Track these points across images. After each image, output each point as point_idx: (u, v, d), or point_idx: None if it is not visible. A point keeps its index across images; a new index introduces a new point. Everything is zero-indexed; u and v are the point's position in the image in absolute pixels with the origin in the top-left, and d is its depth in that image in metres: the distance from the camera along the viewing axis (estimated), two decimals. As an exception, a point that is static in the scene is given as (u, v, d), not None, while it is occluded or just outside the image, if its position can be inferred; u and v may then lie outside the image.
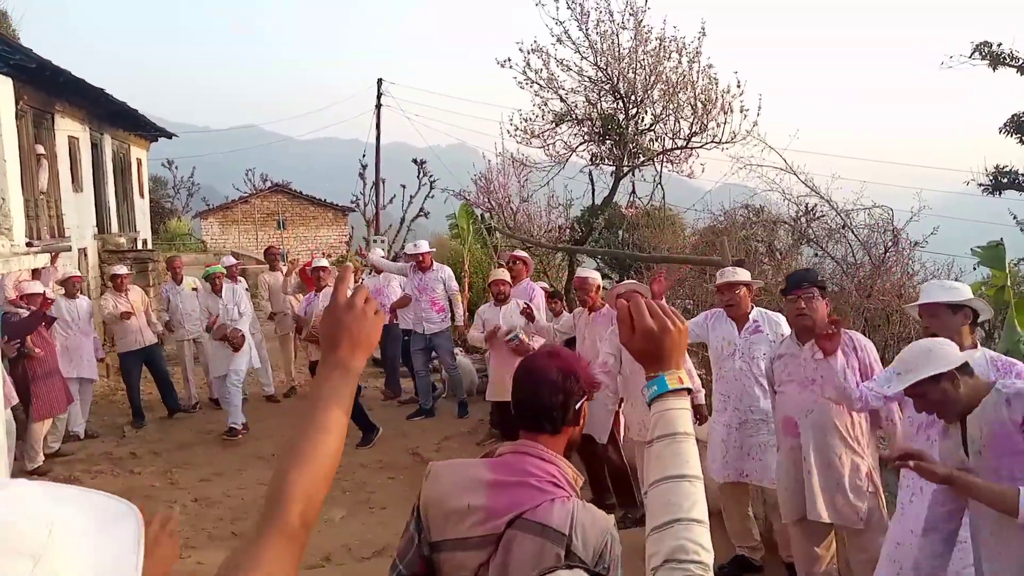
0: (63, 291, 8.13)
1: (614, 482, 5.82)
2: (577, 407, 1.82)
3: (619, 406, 5.60)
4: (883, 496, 3.86)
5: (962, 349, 2.87)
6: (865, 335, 4.34)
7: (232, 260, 9.34)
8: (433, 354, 8.56)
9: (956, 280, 4.70)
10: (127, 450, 7.72)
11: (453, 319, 8.60)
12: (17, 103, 9.83)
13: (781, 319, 4.51)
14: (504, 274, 6.95)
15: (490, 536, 1.67)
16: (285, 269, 9.73)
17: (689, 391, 1.31)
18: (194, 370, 9.26)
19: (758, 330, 4.52)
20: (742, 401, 4.53)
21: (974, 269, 5.17)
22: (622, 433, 5.67)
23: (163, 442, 7.98)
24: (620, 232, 13.11)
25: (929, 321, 3.27)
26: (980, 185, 15.85)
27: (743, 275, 4.62)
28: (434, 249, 9.95)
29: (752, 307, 4.62)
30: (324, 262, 8.32)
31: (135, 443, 7.99)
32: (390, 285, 8.96)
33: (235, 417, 7.92)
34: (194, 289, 9.01)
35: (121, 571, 0.83)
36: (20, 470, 6.71)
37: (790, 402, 3.99)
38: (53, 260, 8.23)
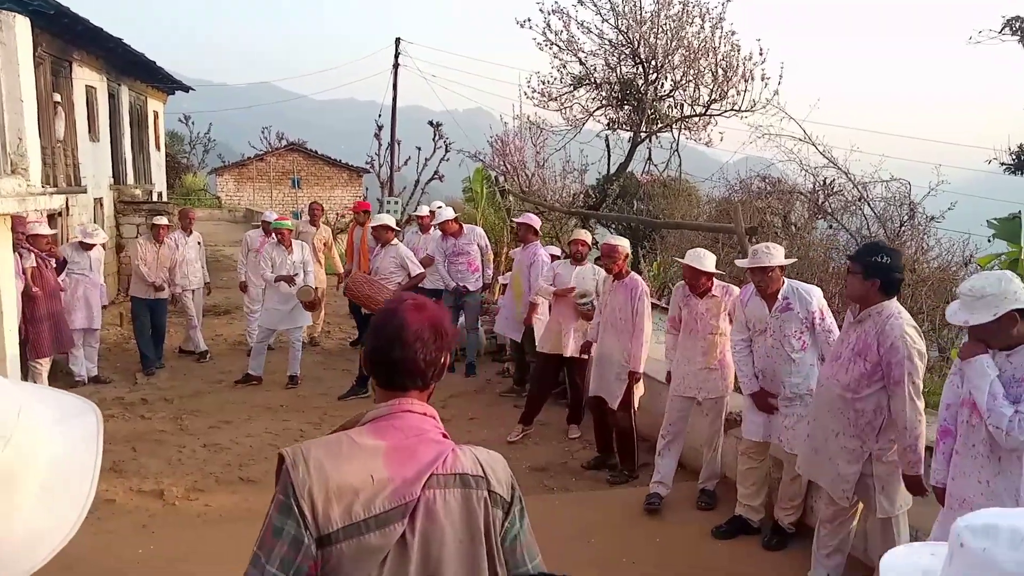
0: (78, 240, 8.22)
1: (619, 444, 5.92)
2: (442, 361, 1.70)
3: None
4: (891, 486, 3.71)
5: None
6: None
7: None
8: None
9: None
10: (138, 396, 7.85)
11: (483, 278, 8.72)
12: (35, 50, 9.85)
13: (814, 294, 4.41)
14: (584, 235, 6.76)
15: (406, 505, 1.50)
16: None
17: None
18: (199, 318, 9.45)
19: (788, 307, 4.41)
20: (773, 379, 4.53)
21: (989, 242, 5.12)
22: (636, 400, 5.70)
23: (174, 389, 8.10)
24: (635, 202, 13.06)
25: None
26: (1002, 164, 15.60)
27: (775, 258, 4.40)
28: (459, 214, 10.07)
29: (783, 282, 4.48)
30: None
31: (147, 390, 8.11)
32: (427, 247, 9.00)
33: (294, 367, 8.26)
34: (199, 243, 9.31)
35: (81, 458, 0.87)
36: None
37: (822, 372, 4.01)
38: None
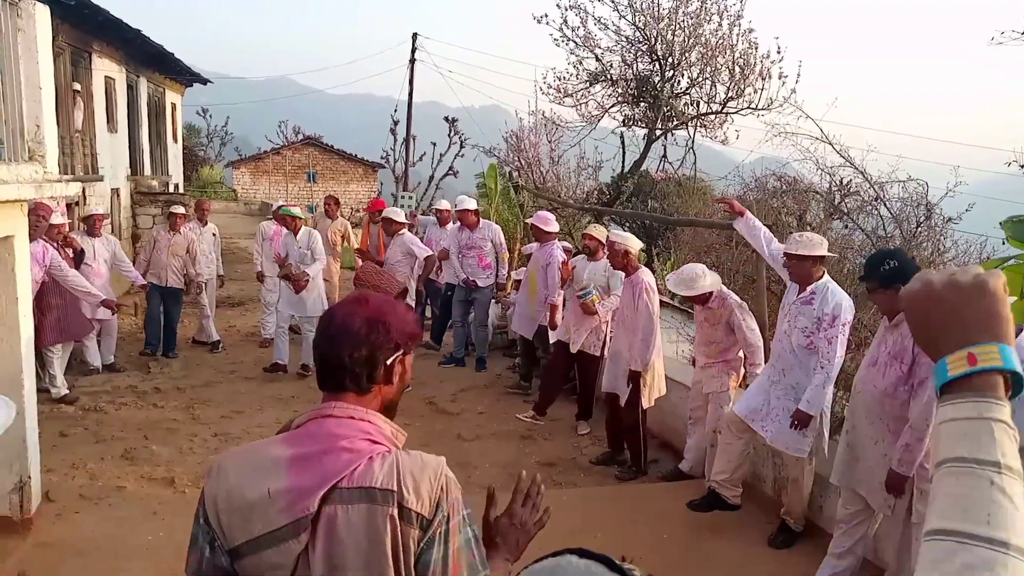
0: (84, 228, 8.21)
1: (627, 441, 5.93)
2: (388, 362, 1.55)
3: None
4: (914, 493, 3.62)
5: None
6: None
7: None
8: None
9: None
10: (152, 385, 7.90)
11: (497, 276, 8.72)
12: (55, 39, 9.94)
13: (843, 302, 4.27)
14: (593, 230, 6.81)
15: (302, 520, 1.40)
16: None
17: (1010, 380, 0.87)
18: (211, 308, 9.51)
19: (809, 302, 4.36)
20: (777, 362, 4.57)
21: (1003, 244, 5.04)
22: (649, 399, 5.65)
23: (187, 379, 8.15)
24: (649, 200, 13.02)
25: None
26: (1022, 166, 15.43)
27: (803, 247, 4.33)
28: (482, 208, 10.15)
29: (822, 276, 4.39)
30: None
31: (160, 379, 8.17)
32: (442, 240, 9.11)
33: (306, 358, 8.22)
34: (214, 235, 9.34)
35: None
36: (47, 398, 6.90)
37: (859, 375, 3.92)
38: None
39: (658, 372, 5.66)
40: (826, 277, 4.42)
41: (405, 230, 8.14)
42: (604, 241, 6.36)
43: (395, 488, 1.40)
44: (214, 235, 9.51)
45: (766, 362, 4.98)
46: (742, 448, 4.86)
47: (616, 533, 4.76)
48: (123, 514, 4.97)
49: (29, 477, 4.65)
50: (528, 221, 7.84)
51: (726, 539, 4.72)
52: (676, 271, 5.68)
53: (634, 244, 5.77)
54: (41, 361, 6.88)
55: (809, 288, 4.37)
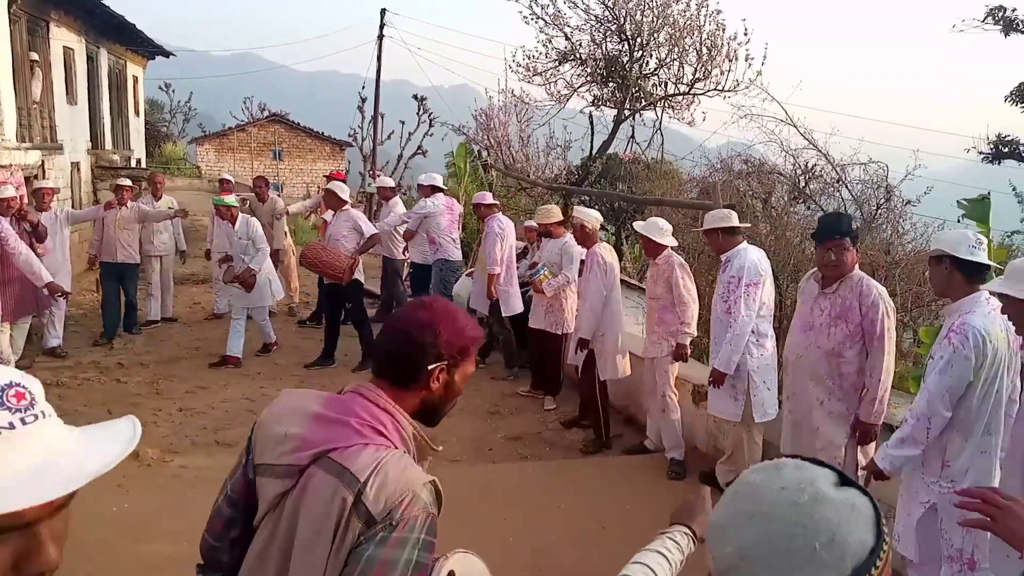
0: (32, 203, 7.88)
1: (583, 409, 6.15)
2: (430, 368, 1.64)
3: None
4: (858, 451, 3.87)
5: None
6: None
7: (230, 178, 9.43)
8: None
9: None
10: (114, 360, 7.81)
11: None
12: (10, 7, 9.65)
13: (747, 264, 4.60)
14: (544, 215, 6.83)
15: (294, 467, 1.54)
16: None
17: None
18: (160, 286, 9.36)
19: (724, 270, 4.72)
20: (713, 334, 4.90)
21: (958, 221, 5.20)
22: (601, 368, 5.80)
23: (151, 355, 8.07)
24: (617, 183, 13.09)
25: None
26: (980, 153, 15.79)
27: (711, 221, 4.79)
28: (450, 187, 10.13)
29: (736, 245, 4.74)
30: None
31: (123, 354, 8.07)
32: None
33: (267, 337, 8.27)
34: (169, 208, 9.02)
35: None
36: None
37: (789, 341, 4.11)
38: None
39: (612, 351, 5.76)
40: (742, 245, 4.74)
41: (349, 206, 7.95)
42: (559, 220, 6.69)
43: (362, 479, 1.47)
44: (171, 209, 9.12)
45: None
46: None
47: (580, 504, 4.84)
48: (86, 486, 4.92)
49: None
50: (478, 201, 7.94)
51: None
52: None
53: (590, 218, 5.94)
54: None
55: (724, 257, 4.75)
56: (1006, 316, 2.91)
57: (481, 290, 7.65)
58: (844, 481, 0.90)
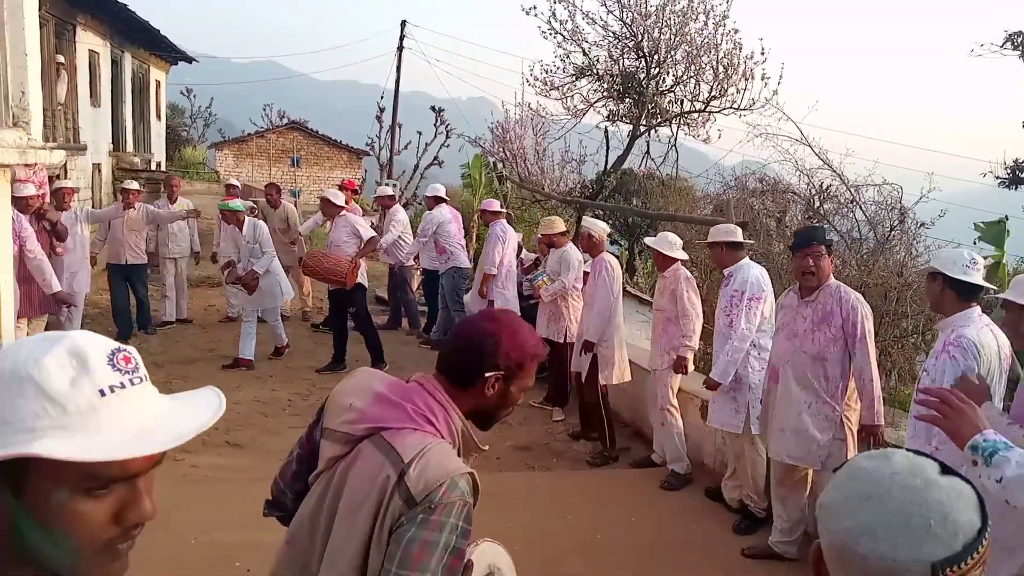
0: (53, 202, 7.82)
1: (588, 418, 6.21)
2: (487, 375, 1.75)
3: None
4: (852, 442, 4.03)
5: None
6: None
7: (236, 183, 9.55)
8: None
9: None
10: (130, 359, 7.89)
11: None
12: (39, 9, 9.83)
13: (750, 279, 4.72)
14: (547, 226, 7.03)
15: (350, 436, 1.70)
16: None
17: None
18: (175, 288, 9.45)
19: (727, 284, 4.86)
20: (715, 346, 4.99)
21: (975, 244, 5.22)
22: (603, 375, 5.87)
23: (165, 355, 8.16)
24: (632, 198, 13.15)
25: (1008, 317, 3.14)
26: (997, 177, 15.74)
27: (716, 235, 4.92)
28: (463, 198, 10.38)
29: (739, 260, 4.87)
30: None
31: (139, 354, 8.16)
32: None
33: (279, 340, 8.36)
34: (189, 212, 9.13)
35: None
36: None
37: (776, 350, 4.29)
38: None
39: (621, 355, 5.90)
40: (744, 260, 4.87)
41: (346, 212, 8.08)
42: (562, 231, 6.89)
43: (407, 460, 1.60)
44: (194, 212, 9.29)
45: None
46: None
47: (586, 515, 4.86)
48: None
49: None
50: (483, 208, 8.38)
51: (694, 523, 4.84)
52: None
53: (598, 229, 6.14)
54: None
55: (727, 271, 4.86)
56: (1005, 328, 2.99)
57: (478, 290, 7.88)
58: (945, 470, 0.98)
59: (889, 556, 0.91)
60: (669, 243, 5.48)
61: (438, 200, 8.92)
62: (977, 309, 3.19)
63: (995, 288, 3.51)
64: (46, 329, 7.63)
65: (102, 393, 0.91)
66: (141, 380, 0.95)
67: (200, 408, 1.02)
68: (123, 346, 0.96)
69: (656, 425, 5.60)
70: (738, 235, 4.89)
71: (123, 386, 0.93)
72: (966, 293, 3.19)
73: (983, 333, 3.10)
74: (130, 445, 0.90)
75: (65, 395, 0.89)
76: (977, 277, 3.18)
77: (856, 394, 4.02)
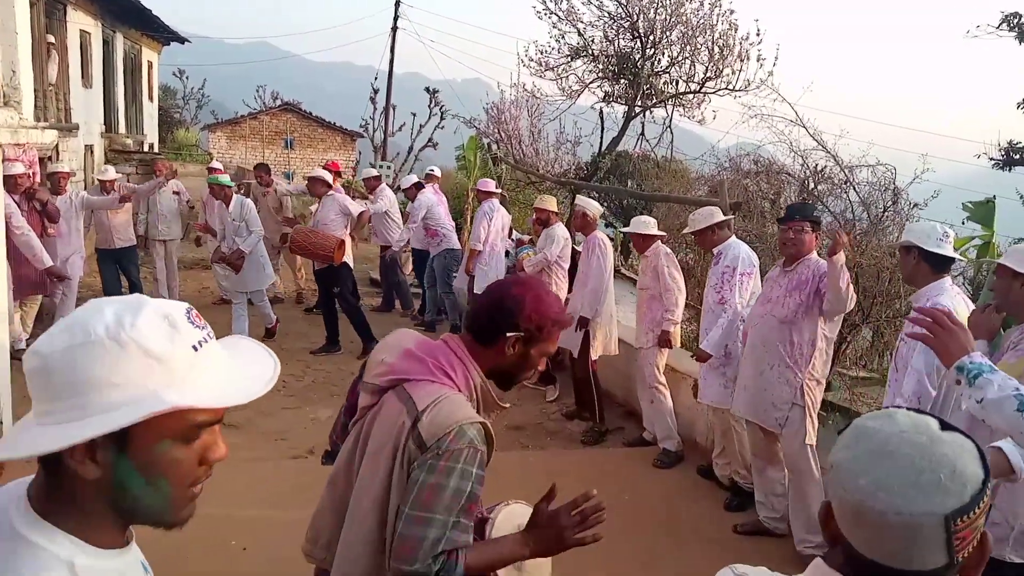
0: (47, 184, 7.77)
1: (578, 393, 6.31)
2: (507, 334, 1.84)
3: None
4: (813, 415, 4.14)
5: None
6: (856, 291, 4.52)
7: (219, 165, 9.54)
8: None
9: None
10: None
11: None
12: (30, -11, 9.73)
13: (740, 255, 4.84)
14: (544, 202, 7.10)
15: (377, 387, 1.86)
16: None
17: None
18: (164, 270, 9.37)
19: (716, 262, 4.96)
20: (704, 324, 5.11)
21: (963, 224, 5.25)
22: (594, 349, 6.00)
23: (159, 337, 8.15)
24: (629, 181, 13.13)
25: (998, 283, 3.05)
26: (991, 159, 15.74)
27: (696, 222, 5.02)
28: (458, 179, 10.44)
29: (726, 239, 4.98)
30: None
31: (131, 335, 8.15)
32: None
33: (267, 320, 8.37)
34: (175, 193, 9.04)
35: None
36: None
37: (751, 314, 4.50)
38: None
39: (610, 331, 6.06)
40: (732, 239, 4.99)
41: (333, 191, 8.12)
42: (554, 210, 6.97)
43: (420, 408, 1.73)
44: (176, 193, 9.16)
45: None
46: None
47: (577, 492, 4.89)
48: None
49: (1, 422, 4.69)
50: (479, 188, 8.49)
51: (686, 501, 4.89)
52: None
53: (592, 208, 6.26)
54: None
55: (716, 250, 4.96)
56: (994, 292, 2.98)
57: (464, 267, 8.04)
58: (945, 426, 1.03)
59: (906, 510, 0.96)
60: (644, 223, 5.63)
61: (418, 187, 9.15)
62: (948, 279, 3.31)
63: (964, 260, 3.62)
64: (41, 311, 7.63)
65: (195, 348, 0.99)
66: (212, 334, 1.03)
67: (261, 362, 1.09)
68: (190, 306, 1.02)
69: (645, 403, 5.68)
70: (718, 215, 5.00)
71: (206, 340, 1.01)
72: (939, 265, 3.30)
73: (956, 301, 3.20)
74: (233, 391, 1.01)
75: (168, 353, 0.96)
76: (949, 249, 3.30)
77: (823, 368, 4.15)
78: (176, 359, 0.96)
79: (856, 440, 1.04)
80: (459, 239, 9.37)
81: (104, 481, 0.97)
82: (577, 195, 7.84)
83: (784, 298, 4.17)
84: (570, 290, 6.56)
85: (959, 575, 0.99)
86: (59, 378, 0.93)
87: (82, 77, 12.89)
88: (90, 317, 0.96)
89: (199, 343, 0.99)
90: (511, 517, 1.96)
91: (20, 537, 0.96)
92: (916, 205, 8.40)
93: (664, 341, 5.42)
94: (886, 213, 8.18)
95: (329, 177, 8.15)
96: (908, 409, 1.07)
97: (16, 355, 6.66)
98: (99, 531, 1.00)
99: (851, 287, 3.87)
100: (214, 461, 1.05)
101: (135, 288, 8.81)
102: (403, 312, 9.72)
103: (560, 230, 6.77)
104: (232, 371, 1.03)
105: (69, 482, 0.97)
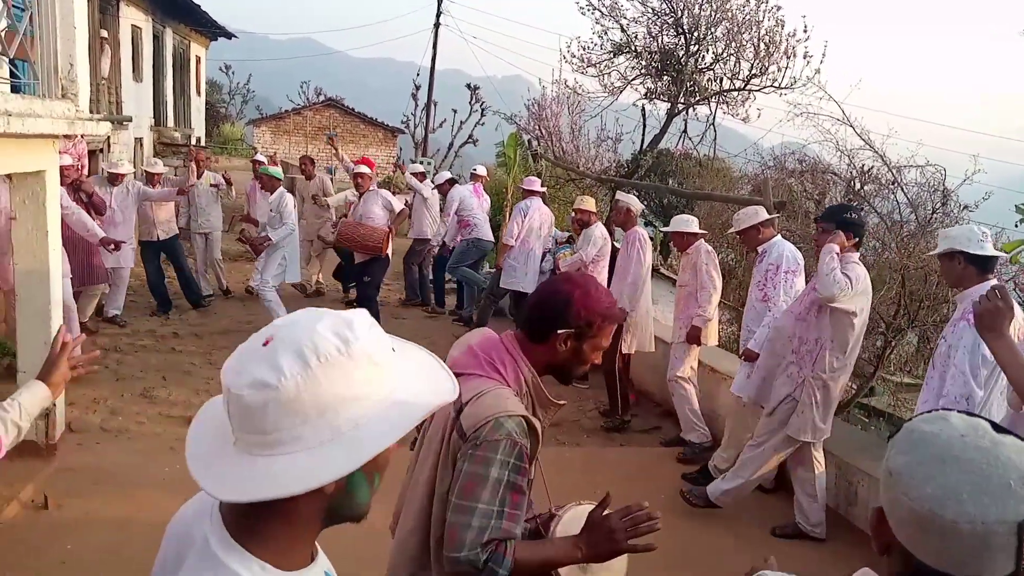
0: (100, 175, 8.09)
1: (607, 384, 6.33)
2: (559, 332, 1.87)
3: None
4: (816, 413, 4.16)
5: None
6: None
7: (263, 159, 9.76)
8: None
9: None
10: (170, 330, 8.08)
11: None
12: (85, -15, 9.98)
13: (785, 252, 4.86)
14: (583, 203, 7.12)
15: None
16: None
17: None
18: (204, 263, 9.52)
19: (761, 260, 4.98)
20: (746, 322, 5.18)
21: (1016, 226, 5.11)
22: (627, 343, 6.05)
23: (205, 326, 8.33)
24: (668, 179, 13.04)
25: None
26: (1046, 160, 15.29)
27: (742, 221, 5.01)
28: (498, 175, 10.63)
29: (771, 237, 4.99)
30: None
31: (178, 324, 8.35)
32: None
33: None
34: (213, 185, 9.15)
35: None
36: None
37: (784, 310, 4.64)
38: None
39: (645, 323, 6.13)
40: (776, 237, 4.98)
41: (374, 185, 8.45)
42: (594, 211, 6.99)
43: (464, 400, 1.77)
44: (214, 186, 9.20)
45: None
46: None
47: (613, 490, 4.88)
48: (141, 447, 5.16)
49: (54, 405, 4.83)
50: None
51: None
52: None
53: (635, 204, 6.39)
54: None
55: (760, 249, 4.97)
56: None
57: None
58: (998, 428, 1.01)
59: (979, 518, 0.92)
60: (685, 222, 5.70)
61: (451, 183, 9.45)
62: (994, 280, 3.32)
63: (1004, 254, 3.75)
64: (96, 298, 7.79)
65: (394, 350, 1.04)
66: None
67: (436, 370, 1.14)
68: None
69: (674, 398, 5.74)
70: (763, 214, 4.99)
71: (395, 349, 1.05)
72: (985, 265, 3.35)
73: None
74: (450, 387, 1.08)
75: (387, 358, 1.01)
76: (991, 248, 3.36)
77: (838, 366, 4.15)
78: (390, 363, 1.01)
79: (914, 446, 1.00)
80: (496, 235, 9.45)
81: (336, 493, 0.97)
82: (618, 191, 7.85)
83: (805, 295, 4.29)
84: (608, 287, 6.57)
85: None
86: (306, 404, 0.93)
87: (133, 71, 13.20)
88: (313, 339, 0.95)
89: (392, 346, 1.05)
90: (578, 517, 1.94)
91: (214, 558, 0.97)
92: (966, 207, 8.21)
93: (692, 337, 5.45)
94: (935, 215, 8.00)
95: (368, 171, 8.42)
96: (960, 412, 1.04)
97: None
98: (292, 554, 1.01)
99: (836, 273, 3.88)
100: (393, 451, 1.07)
101: (183, 275, 8.90)
102: (427, 312, 9.72)
103: (598, 231, 6.84)
104: (421, 365, 1.10)
105: (288, 504, 0.96)
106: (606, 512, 1.81)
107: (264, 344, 0.97)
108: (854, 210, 4.41)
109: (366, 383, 0.97)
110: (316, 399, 0.93)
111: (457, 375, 1.85)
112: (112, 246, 7.01)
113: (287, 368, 0.92)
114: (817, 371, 4.13)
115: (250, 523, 0.99)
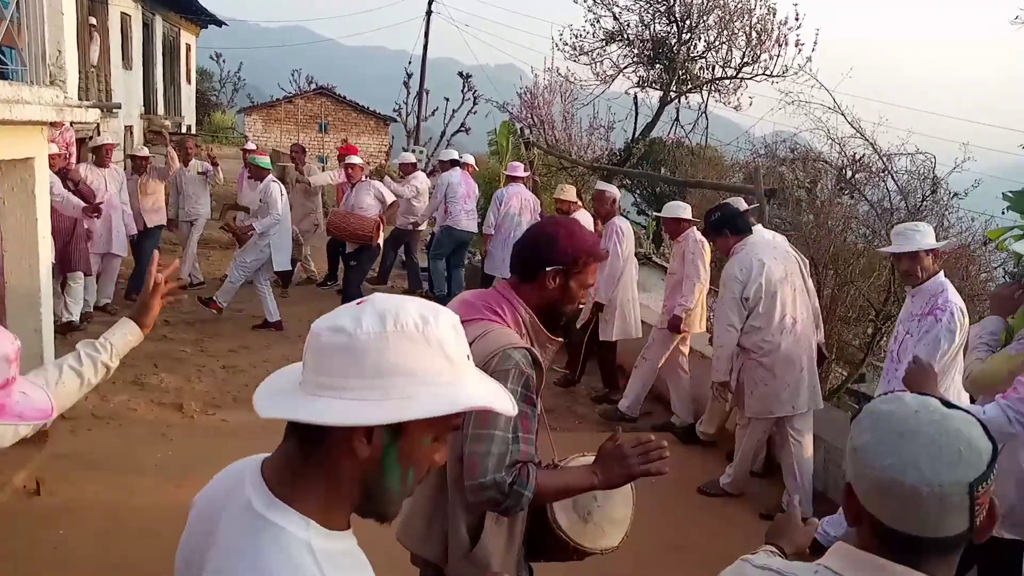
0: (92, 158, 7.94)
1: (604, 377, 6.53)
2: (547, 268, 1.97)
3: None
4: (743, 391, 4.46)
5: None
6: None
7: (253, 146, 9.73)
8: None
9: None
10: (161, 317, 7.95)
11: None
12: (73, -29, 9.89)
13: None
14: (563, 192, 7.18)
15: None
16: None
17: None
18: (196, 249, 9.46)
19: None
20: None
21: (1003, 213, 5.12)
22: (605, 331, 6.23)
23: (196, 314, 8.29)
24: (661, 168, 13.05)
25: None
26: (1036, 148, 15.35)
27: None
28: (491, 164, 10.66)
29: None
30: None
31: (168, 312, 8.28)
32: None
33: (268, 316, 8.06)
34: (200, 173, 9.07)
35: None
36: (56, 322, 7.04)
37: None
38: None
39: (625, 313, 6.22)
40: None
41: (367, 176, 8.60)
42: (574, 200, 7.06)
43: (470, 341, 1.84)
44: (201, 174, 9.10)
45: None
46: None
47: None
48: (133, 433, 5.17)
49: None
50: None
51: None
52: None
53: (613, 191, 6.48)
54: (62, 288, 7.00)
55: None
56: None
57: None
58: (947, 403, 1.12)
59: (935, 482, 1.03)
60: (677, 208, 5.74)
61: (454, 163, 9.29)
62: (942, 273, 3.59)
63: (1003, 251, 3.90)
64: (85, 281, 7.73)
65: (468, 357, 1.09)
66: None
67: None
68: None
69: (671, 384, 5.89)
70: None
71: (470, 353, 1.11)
72: (934, 257, 3.61)
73: (959, 298, 3.49)
74: (505, 401, 1.11)
75: (459, 356, 1.06)
76: (933, 240, 3.63)
77: (771, 349, 4.36)
78: (462, 363, 1.06)
79: (875, 424, 1.11)
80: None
81: (369, 462, 1.02)
82: (597, 181, 7.96)
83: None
84: None
85: (975, 537, 1.08)
86: (368, 359, 0.99)
87: (122, 59, 13.12)
88: (399, 309, 1.03)
89: (468, 355, 1.09)
90: (583, 461, 2.05)
91: (260, 517, 1.01)
92: (956, 195, 8.25)
93: (673, 326, 5.52)
94: (924, 203, 8.04)
95: (360, 160, 8.43)
96: (912, 392, 1.17)
97: (60, 330, 6.92)
98: (334, 513, 1.05)
99: (721, 351, 4.40)
100: (437, 464, 1.11)
101: (140, 264, 8.52)
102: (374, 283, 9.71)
103: (580, 217, 6.87)
104: (487, 379, 1.14)
105: (327, 460, 1.03)
106: (618, 443, 1.89)
107: (358, 303, 1.06)
108: (717, 209, 4.67)
109: (429, 365, 1.01)
110: (379, 359, 0.99)
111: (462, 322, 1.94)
112: (94, 212, 7.05)
113: (366, 323, 1.00)
114: (751, 354, 4.37)
115: (293, 481, 1.03)
